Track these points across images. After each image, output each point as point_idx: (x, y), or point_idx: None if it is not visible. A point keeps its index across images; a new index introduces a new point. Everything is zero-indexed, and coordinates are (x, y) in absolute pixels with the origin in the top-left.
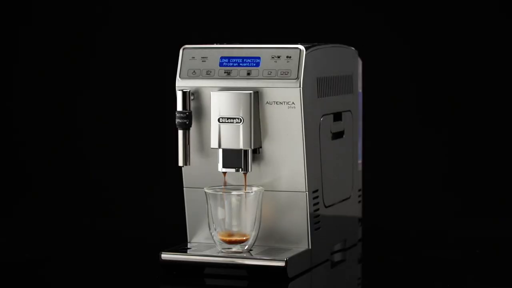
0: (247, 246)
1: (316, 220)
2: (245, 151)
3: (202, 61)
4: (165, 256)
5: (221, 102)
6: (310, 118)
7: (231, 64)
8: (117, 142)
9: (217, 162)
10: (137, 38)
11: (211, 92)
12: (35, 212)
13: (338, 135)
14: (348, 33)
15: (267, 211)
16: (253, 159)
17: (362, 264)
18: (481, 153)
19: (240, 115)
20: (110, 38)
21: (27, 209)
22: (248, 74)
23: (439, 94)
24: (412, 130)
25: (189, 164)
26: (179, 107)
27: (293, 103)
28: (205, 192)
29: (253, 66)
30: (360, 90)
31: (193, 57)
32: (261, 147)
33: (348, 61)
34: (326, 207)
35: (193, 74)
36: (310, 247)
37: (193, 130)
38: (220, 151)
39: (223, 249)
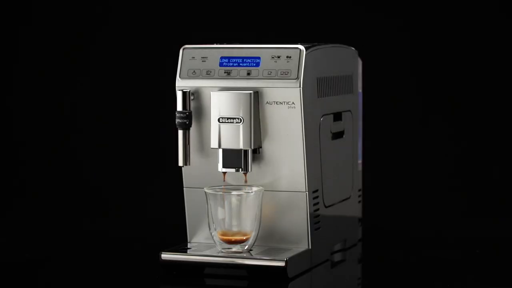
0: (247, 246)
1: (316, 220)
2: (245, 151)
3: (202, 61)
4: (165, 256)
5: (221, 102)
6: (310, 118)
7: (231, 64)
8: (117, 142)
9: (217, 162)
10: (137, 38)
11: (211, 92)
12: (35, 212)
13: (338, 135)
14: (348, 33)
15: (267, 211)
16: (253, 159)
17: (362, 264)
18: (481, 153)
19: (240, 115)
20: (110, 38)
21: (27, 209)
22: (248, 74)
23: (439, 94)
24: (412, 130)
25: (189, 164)
26: (179, 107)
27: (293, 103)
28: (205, 192)
29: (253, 66)
30: (360, 90)
31: (193, 57)
32: (261, 147)
33: (348, 61)
34: (326, 207)
35: (193, 74)
36: (310, 247)
37: (193, 130)
38: (220, 151)
39: (223, 249)
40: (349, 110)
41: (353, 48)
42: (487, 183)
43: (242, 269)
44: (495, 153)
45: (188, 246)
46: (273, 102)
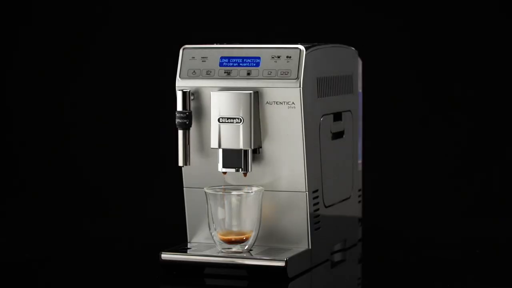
0: (247, 246)
1: (316, 220)
2: (245, 151)
3: (202, 61)
4: (165, 256)
5: (221, 102)
6: (310, 118)
7: (231, 64)
8: (117, 142)
9: (217, 162)
10: (137, 38)
11: (211, 92)
12: (35, 212)
13: (338, 135)
14: (348, 33)
15: (267, 211)
16: (253, 159)
17: (362, 264)
18: (481, 153)
19: (240, 115)
20: (110, 38)
21: (27, 209)
22: (248, 74)
23: (439, 94)
24: (412, 130)
25: (189, 164)
26: (179, 107)
27: (293, 103)
28: (205, 192)
29: (253, 66)
30: (360, 90)
31: (193, 57)
32: (261, 147)
33: (348, 61)
34: (326, 207)
35: (193, 74)
36: (310, 247)
37: (193, 130)
38: (220, 151)
39: (223, 249)
40: (349, 110)
41: (353, 48)
42: (487, 183)
43: (242, 269)
44: (495, 153)
45: (188, 246)
46: (273, 102)
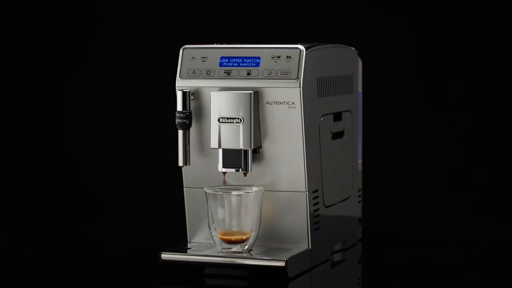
0: (247, 246)
1: (316, 220)
2: (245, 151)
3: (202, 61)
4: (165, 256)
5: (221, 102)
6: (310, 118)
7: (231, 64)
8: (117, 142)
9: (217, 162)
10: (137, 38)
11: (211, 92)
12: (34, 212)
13: (338, 135)
14: (348, 33)
15: (267, 211)
16: (253, 159)
17: (362, 264)
18: (481, 153)
19: (240, 115)
20: (110, 38)
21: (27, 209)
22: (248, 74)
23: (439, 94)
24: (412, 130)
25: (189, 164)
26: (179, 107)
27: (293, 103)
28: (205, 192)
29: (253, 66)
30: (360, 90)
31: (193, 57)
32: (261, 147)
33: (348, 61)
34: (326, 207)
35: (193, 74)
36: (310, 247)
37: (193, 130)
38: (220, 151)
39: (223, 249)
40: (349, 110)
41: (353, 48)
42: (487, 183)
43: (242, 269)
44: (495, 153)
45: (188, 246)
46: (273, 102)
